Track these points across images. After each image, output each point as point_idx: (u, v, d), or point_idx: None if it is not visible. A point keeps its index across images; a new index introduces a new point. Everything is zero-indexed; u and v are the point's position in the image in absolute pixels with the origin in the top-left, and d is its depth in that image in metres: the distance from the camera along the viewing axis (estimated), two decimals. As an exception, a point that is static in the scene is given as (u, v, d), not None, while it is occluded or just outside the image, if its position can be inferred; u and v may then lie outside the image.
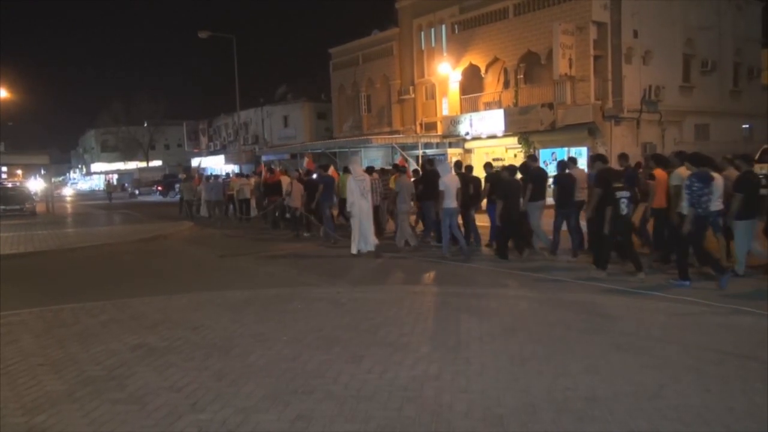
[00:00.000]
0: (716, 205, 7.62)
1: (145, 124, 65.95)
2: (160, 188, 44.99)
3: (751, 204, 7.58)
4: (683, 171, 7.95)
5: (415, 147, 25.69)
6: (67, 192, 61.05)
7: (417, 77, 28.96)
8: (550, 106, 20.69)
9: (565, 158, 11.55)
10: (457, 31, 25.33)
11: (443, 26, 26.73)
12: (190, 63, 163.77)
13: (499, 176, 10.59)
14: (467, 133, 24.23)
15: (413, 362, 4.73)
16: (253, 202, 19.37)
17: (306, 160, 22.90)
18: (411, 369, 4.58)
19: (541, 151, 21.71)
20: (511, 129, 22.25)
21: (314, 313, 6.43)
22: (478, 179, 11.68)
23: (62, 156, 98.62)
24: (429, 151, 26.90)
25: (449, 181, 10.47)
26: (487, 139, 24.06)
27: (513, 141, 22.89)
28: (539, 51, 21.57)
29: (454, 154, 25.56)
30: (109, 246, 13.86)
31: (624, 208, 7.92)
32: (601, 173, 8.71)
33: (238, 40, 29.90)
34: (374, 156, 28.73)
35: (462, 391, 4.12)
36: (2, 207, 24.23)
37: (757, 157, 13.69)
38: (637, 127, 21.09)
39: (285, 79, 54.51)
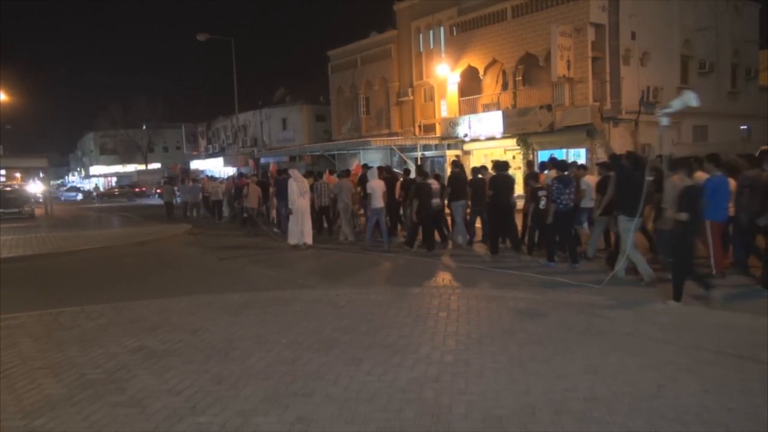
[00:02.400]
0: (586, 202, 9.76)
1: (144, 127, 65.98)
2: (158, 190, 45.32)
3: (609, 204, 8.74)
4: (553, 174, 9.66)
5: (413, 149, 25.74)
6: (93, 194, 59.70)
7: (415, 79, 28.98)
8: (549, 107, 20.70)
9: (478, 165, 13.18)
10: (455, 33, 25.36)
11: (441, 28, 26.75)
12: (189, 65, 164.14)
13: (413, 179, 12.20)
14: (466, 135, 24.25)
15: (412, 364, 4.74)
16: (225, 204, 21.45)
17: (271, 164, 24.73)
18: (410, 371, 4.58)
19: (539, 152, 21.74)
20: (509, 131, 22.28)
21: (313, 316, 6.43)
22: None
23: (61, 159, 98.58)
24: (428, 153, 26.97)
25: (375, 185, 12.16)
26: (486, 141, 24.09)
27: (512, 143, 22.93)
28: (537, 53, 21.59)
29: (452, 155, 25.63)
30: (107, 249, 13.86)
31: (544, 203, 9.44)
32: (492, 179, 10.67)
33: (236, 43, 30.02)
34: (373, 158, 28.71)
35: (461, 392, 4.13)
36: (1, 210, 24.21)
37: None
38: (635, 128, 21.11)
39: (283, 82, 54.71)
